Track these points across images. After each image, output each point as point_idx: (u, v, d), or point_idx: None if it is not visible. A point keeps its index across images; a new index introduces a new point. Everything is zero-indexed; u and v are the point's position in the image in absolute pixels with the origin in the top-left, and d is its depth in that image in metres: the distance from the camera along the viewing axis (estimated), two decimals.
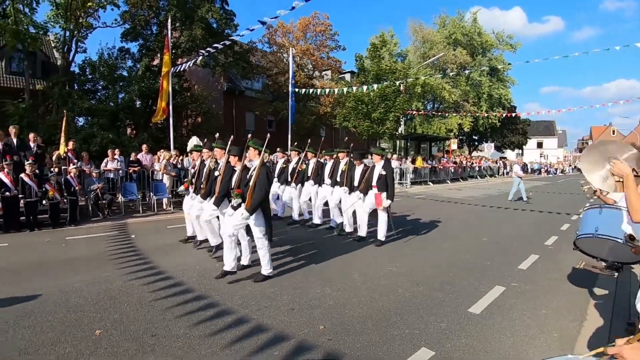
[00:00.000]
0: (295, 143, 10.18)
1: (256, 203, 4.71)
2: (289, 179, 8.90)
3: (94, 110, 15.75)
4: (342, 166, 7.94)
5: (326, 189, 8.36)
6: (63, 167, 9.69)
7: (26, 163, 8.48)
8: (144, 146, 12.51)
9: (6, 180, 8.09)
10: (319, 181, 8.62)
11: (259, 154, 5.00)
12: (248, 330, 3.59)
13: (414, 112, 27.03)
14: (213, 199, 5.62)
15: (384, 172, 6.80)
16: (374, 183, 6.89)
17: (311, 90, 18.84)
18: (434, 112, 32.69)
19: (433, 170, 22.31)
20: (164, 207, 11.22)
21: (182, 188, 7.30)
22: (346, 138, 31.79)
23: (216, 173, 5.72)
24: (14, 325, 3.66)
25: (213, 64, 20.37)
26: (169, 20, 14.48)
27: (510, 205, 13.33)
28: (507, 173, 33.39)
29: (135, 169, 11.24)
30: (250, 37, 21.91)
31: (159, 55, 18.68)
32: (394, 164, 19.74)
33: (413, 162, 21.12)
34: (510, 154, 48.92)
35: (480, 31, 34.69)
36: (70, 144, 10.51)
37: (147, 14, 18.74)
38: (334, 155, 8.45)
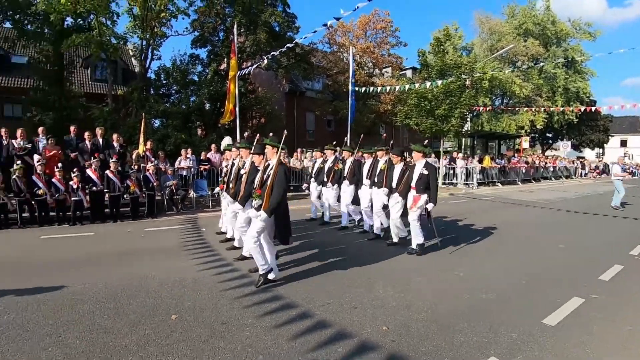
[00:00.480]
0: (346, 140, 9.62)
1: (274, 204, 4.52)
2: (325, 179, 8.48)
3: (168, 112, 16.99)
4: (380, 165, 7.35)
5: (364, 190, 7.70)
6: (142, 165, 10.57)
7: (110, 161, 9.36)
8: (213, 146, 13.24)
9: (93, 176, 9.00)
10: (356, 182, 8.02)
11: (277, 152, 4.79)
12: (312, 325, 3.65)
13: (481, 109, 25.67)
14: (238, 198, 5.56)
15: (425, 172, 6.16)
16: (413, 184, 6.30)
17: (371, 89, 18.66)
18: (502, 108, 30.79)
19: (502, 171, 21.01)
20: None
21: (217, 189, 7.42)
22: (406, 136, 31.10)
23: (242, 172, 5.69)
24: (100, 307, 4.06)
25: (276, 67, 20.98)
26: (235, 26, 15.14)
27: (589, 209, 12.13)
28: (585, 174, 30.49)
29: (206, 167, 11.97)
30: (310, 38, 22.18)
31: (225, 59, 19.61)
32: (460, 163, 18.91)
33: (480, 161, 20.07)
34: (589, 154, 44.54)
35: (554, 19, 32.00)
36: (149, 143, 11.42)
37: (214, 21, 19.80)
38: (373, 154, 7.79)
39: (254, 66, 15.98)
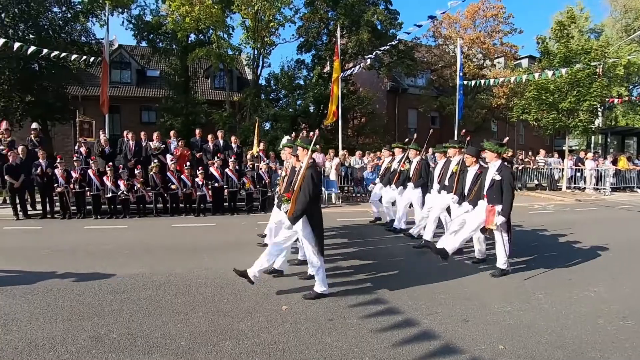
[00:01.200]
0: (412, 138, 8.04)
1: (299, 211, 4.10)
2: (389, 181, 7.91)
3: (278, 116, 18.13)
4: (452, 166, 6.30)
5: (433, 195, 6.67)
6: (255, 164, 11.42)
7: (230, 161, 10.34)
8: (318, 146, 13.67)
9: (216, 174, 10.08)
10: (422, 184, 7.18)
11: (307, 153, 4.34)
12: (419, 334, 3.49)
13: (616, 100, 21.86)
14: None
15: (498, 177, 5.07)
16: (485, 191, 5.24)
17: (482, 82, 17.27)
18: None
19: None
20: (333, 201, 12.16)
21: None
22: (522, 133, 28.10)
23: (282, 173, 5.49)
24: (220, 291, 4.47)
25: (378, 65, 20.82)
26: (338, 29, 15.42)
27: None
28: None
29: None
30: (414, 34, 21.37)
31: (329, 62, 20.15)
32: (589, 164, 16.42)
33: (614, 162, 17.11)
34: None
35: None
36: (262, 144, 12.31)
37: (318, 25, 20.48)
38: (445, 153, 6.70)
39: (357, 68, 16.06)
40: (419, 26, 11.18)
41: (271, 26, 18.48)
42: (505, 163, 5.31)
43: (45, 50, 11.68)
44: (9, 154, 9.26)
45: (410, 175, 7.39)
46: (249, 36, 18.67)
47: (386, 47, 14.42)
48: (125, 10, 18.08)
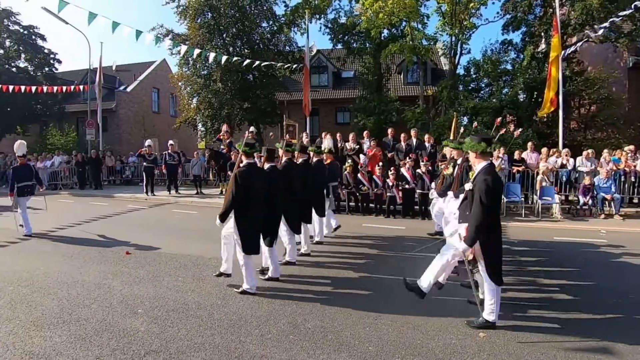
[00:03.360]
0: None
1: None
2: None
3: (478, 108, 16.96)
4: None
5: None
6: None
7: (422, 162, 10.27)
8: (530, 144, 12.19)
9: (407, 175, 10.20)
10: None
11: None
12: None
13: None
14: None
15: (469, 186, 3.96)
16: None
17: None
18: None
19: None
20: (552, 214, 10.43)
21: None
22: None
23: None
24: (408, 303, 4.41)
25: (615, 36, 16.93)
26: None
27: None
28: None
29: (519, 168, 11.14)
30: None
31: (544, 40, 17.65)
32: None
33: None
34: None
35: None
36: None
37: None
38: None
39: (583, 41, 13.52)
40: None
41: (471, 7, 17.46)
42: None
43: (257, 62, 14.35)
44: (232, 153, 11.64)
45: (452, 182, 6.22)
46: (445, 22, 18.13)
47: (627, 12, 11.54)
48: (322, 15, 20.30)
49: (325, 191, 7.44)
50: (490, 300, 3.84)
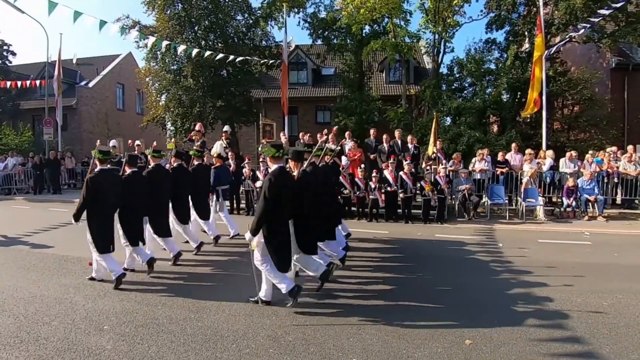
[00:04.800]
0: None
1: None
2: None
3: (462, 108, 17.30)
4: None
5: None
6: (433, 167, 11.17)
7: (404, 163, 10.40)
8: (514, 145, 12.50)
9: (389, 177, 10.32)
10: None
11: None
12: None
13: None
14: None
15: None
16: None
17: None
18: None
19: None
20: (536, 216, 10.79)
21: None
22: None
23: None
24: (394, 309, 4.52)
25: (598, 36, 17.59)
26: None
27: None
28: None
29: (503, 169, 11.41)
30: None
31: (527, 39, 18.18)
32: None
33: None
34: None
35: None
36: (438, 143, 11.97)
37: None
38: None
39: (565, 41, 14.00)
40: None
41: (454, 4, 17.81)
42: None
43: (231, 57, 14.25)
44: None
45: None
46: (428, 20, 18.42)
47: (609, 11, 12.01)
48: (301, 9, 20.35)
49: (216, 194, 8.00)
50: (265, 281, 4.59)
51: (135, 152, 13.62)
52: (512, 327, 4.09)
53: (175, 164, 7.00)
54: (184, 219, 6.97)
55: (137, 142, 14.39)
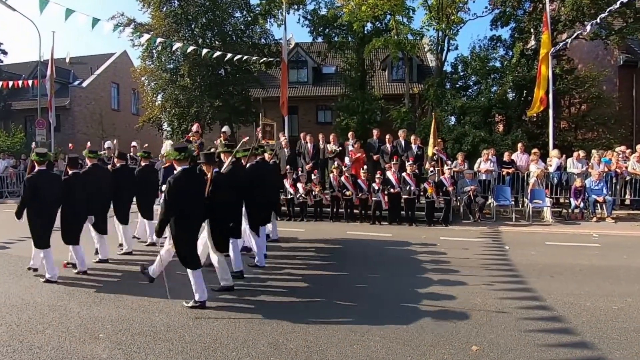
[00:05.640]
0: None
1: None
2: None
3: (466, 107, 17.29)
4: None
5: None
6: (437, 168, 11.17)
7: (407, 164, 10.41)
8: (520, 145, 12.50)
9: (392, 178, 10.33)
10: None
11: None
12: None
13: None
14: None
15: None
16: None
17: None
18: None
19: None
20: (543, 217, 10.81)
21: None
22: None
23: None
24: (399, 315, 4.51)
25: (605, 33, 17.61)
26: None
27: None
28: None
29: (509, 170, 11.40)
30: None
31: (533, 36, 18.19)
32: None
33: None
34: None
35: None
36: (438, 144, 11.96)
37: None
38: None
39: (572, 37, 14.00)
40: None
41: (458, 0, 17.82)
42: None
43: (229, 55, 14.26)
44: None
45: None
46: (432, 17, 18.40)
47: (616, 6, 11.99)
48: (301, 6, 20.32)
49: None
50: (193, 283, 4.72)
51: (131, 153, 13.68)
52: (519, 333, 4.08)
53: (118, 165, 7.49)
54: (123, 219, 7.37)
55: (133, 143, 14.40)
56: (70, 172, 6.22)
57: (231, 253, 5.64)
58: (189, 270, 4.74)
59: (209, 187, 5.17)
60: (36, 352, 3.73)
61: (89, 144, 11.21)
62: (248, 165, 6.34)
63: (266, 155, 7.71)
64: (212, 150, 6.42)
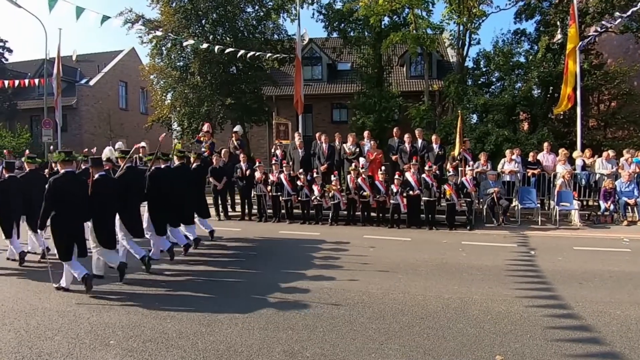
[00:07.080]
0: None
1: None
2: None
3: (489, 105, 17.12)
4: None
5: None
6: (460, 169, 11.09)
7: (426, 166, 10.40)
8: (546, 144, 12.35)
9: (411, 179, 10.28)
10: None
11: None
12: None
13: None
14: None
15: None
16: None
17: None
18: None
19: None
20: (571, 221, 10.71)
21: None
22: None
23: None
24: (419, 323, 4.50)
25: (636, 26, 17.29)
26: None
27: None
28: None
29: (535, 171, 11.28)
30: None
31: (560, 29, 17.97)
32: None
33: None
34: None
35: None
36: (466, 143, 11.87)
37: None
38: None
39: (601, 31, 13.80)
40: None
41: None
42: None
43: (241, 52, 14.35)
44: (213, 157, 11.60)
45: None
46: (452, 10, 18.25)
47: None
48: (315, 0, 20.35)
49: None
50: (65, 271, 5.58)
51: (140, 154, 13.86)
52: (546, 342, 4.05)
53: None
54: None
55: (142, 144, 14.59)
56: (6, 175, 7.18)
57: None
58: (63, 262, 5.50)
59: (91, 189, 5.79)
60: (45, 359, 3.81)
61: (94, 149, 11.40)
62: (153, 169, 7.22)
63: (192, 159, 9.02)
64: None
